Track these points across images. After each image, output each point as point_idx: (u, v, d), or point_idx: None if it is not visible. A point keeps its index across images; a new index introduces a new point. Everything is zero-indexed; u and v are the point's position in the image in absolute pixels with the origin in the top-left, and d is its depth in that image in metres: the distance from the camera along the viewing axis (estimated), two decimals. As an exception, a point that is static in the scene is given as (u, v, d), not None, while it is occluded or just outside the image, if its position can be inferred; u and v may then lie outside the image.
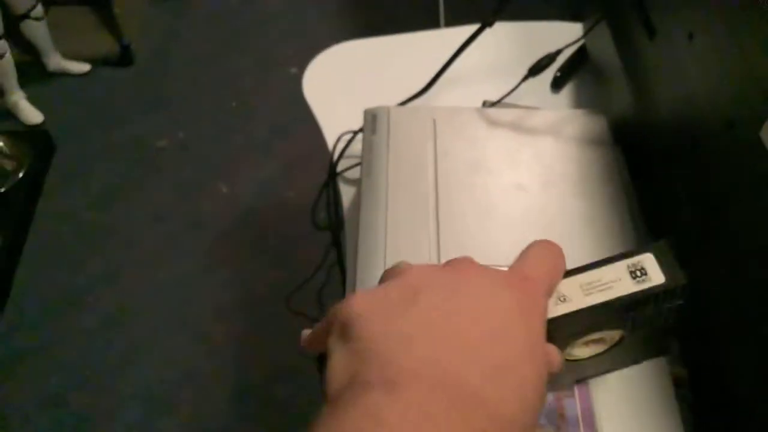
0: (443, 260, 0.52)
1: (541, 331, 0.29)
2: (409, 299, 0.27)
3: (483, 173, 0.58)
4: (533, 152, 0.59)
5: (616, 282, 0.32)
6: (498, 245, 0.52)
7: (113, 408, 1.43)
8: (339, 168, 0.72)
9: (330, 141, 0.73)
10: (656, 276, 0.33)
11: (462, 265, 0.32)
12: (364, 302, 0.28)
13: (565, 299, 0.32)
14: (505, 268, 0.48)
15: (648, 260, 0.33)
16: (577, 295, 0.32)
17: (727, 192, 0.44)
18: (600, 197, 0.56)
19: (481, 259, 0.50)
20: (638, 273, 0.33)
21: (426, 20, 2.05)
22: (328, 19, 2.24)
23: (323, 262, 0.90)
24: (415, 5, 2.21)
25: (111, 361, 1.50)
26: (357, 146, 0.70)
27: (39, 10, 1.88)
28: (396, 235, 0.53)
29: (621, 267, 0.33)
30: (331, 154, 0.72)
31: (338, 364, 0.26)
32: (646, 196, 0.58)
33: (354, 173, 0.71)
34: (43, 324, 1.56)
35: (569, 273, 0.33)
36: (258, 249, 1.67)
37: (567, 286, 0.33)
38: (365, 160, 0.60)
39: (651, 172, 0.57)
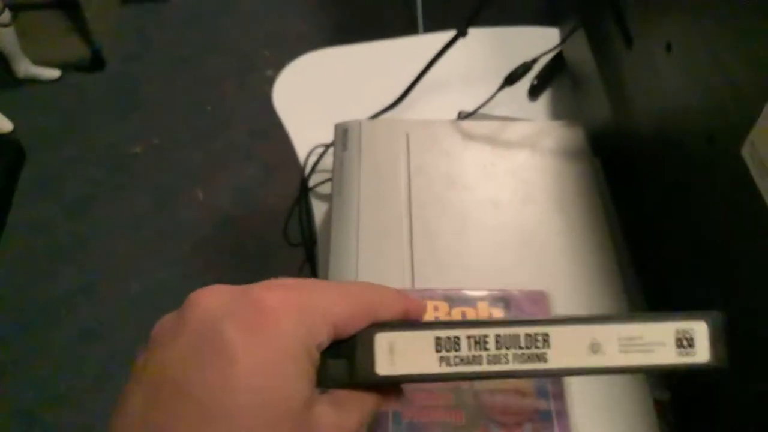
0: (417, 280, 0.50)
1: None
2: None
3: (458, 189, 0.56)
4: (509, 166, 0.58)
5: (659, 346, 0.28)
6: (473, 264, 0.51)
7: (88, 424, 1.39)
8: (311, 183, 0.69)
9: (301, 154, 0.71)
10: (702, 351, 0.29)
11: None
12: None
13: (599, 350, 0.28)
14: (479, 291, 0.47)
15: (700, 330, 0.29)
16: (612, 350, 0.28)
17: (707, 207, 0.43)
18: (578, 211, 0.54)
19: (457, 279, 0.48)
20: (686, 343, 0.29)
21: (406, 21, 2.04)
22: (305, 22, 2.21)
23: (299, 275, 0.88)
24: (396, 8, 2.19)
25: (87, 376, 1.46)
26: (330, 159, 0.68)
27: (6, 15, 1.83)
28: (368, 255, 0.51)
29: (669, 330, 0.29)
30: (302, 169, 0.69)
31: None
32: (625, 209, 0.56)
33: (327, 188, 0.69)
34: (17, 338, 1.52)
35: (611, 318, 0.29)
36: (237, 257, 1.64)
37: (605, 334, 0.28)
38: (336, 177, 0.58)
39: (630, 185, 0.56)
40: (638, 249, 0.55)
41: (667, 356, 0.28)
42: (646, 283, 0.53)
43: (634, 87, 0.54)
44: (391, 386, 0.28)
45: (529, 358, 0.27)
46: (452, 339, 0.27)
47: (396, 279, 0.50)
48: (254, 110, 1.94)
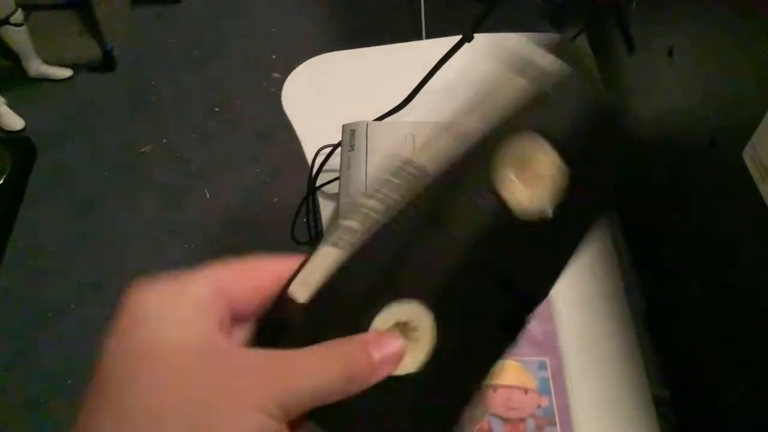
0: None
1: None
2: None
3: (462, 190, 0.57)
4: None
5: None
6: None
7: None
8: (318, 182, 0.71)
9: (309, 154, 0.72)
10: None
11: None
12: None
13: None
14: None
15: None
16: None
17: (709, 211, 0.43)
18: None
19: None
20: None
21: (410, 27, 2.06)
22: (311, 27, 2.23)
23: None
24: (401, 12, 2.21)
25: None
26: (336, 159, 0.69)
27: (19, 15, 1.85)
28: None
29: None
30: (310, 169, 0.71)
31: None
32: (626, 212, 0.57)
33: (334, 187, 0.70)
34: (26, 332, 1.54)
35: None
36: (242, 255, 1.65)
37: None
38: (343, 176, 0.59)
39: (631, 189, 0.57)
40: (639, 250, 0.56)
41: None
42: (647, 285, 0.54)
43: (636, 91, 0.55)
44: (322, 316, 0.26)
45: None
46: (342, 231, 0.27)
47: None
48: (261, 112, 1.96)
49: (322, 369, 0.24)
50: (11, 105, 1.92)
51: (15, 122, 1.92)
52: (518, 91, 0.27)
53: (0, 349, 1.51)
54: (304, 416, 0.24)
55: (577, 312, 0.48)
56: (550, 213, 0.28)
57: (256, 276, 0.27)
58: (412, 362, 0.27)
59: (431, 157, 0.27)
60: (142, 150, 1.90)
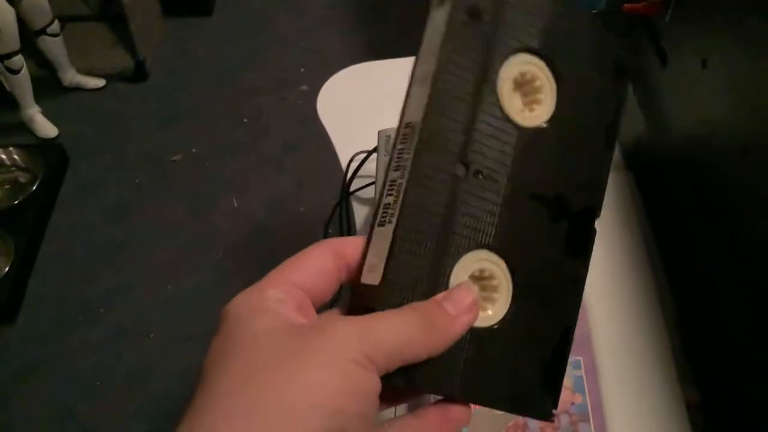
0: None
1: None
2: None
3: (496, 195, 0.58)
4: (546, 175, 0.60)
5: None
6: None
7: (123, 421, 1.43)
8: (352, 188, 0.73)
9: (343, 160, 0.74)
10: None
11: None
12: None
13: None
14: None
15: None
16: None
17: (742, 218, 0.44)
18: (612, 221, 0.56)
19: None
20: None
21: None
22: (338, 40, 2.26)
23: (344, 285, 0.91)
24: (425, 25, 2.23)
25: (121, 375, 1.50)
26: (369, 166, 0.71)
27: (55, 25, 1.90)
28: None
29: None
30: (345, 174, 0.73)
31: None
32: (658, 220, 0.58)
33: (366, 192, 0.72)
34: (55, 336, 1.57)
35: None
36: (269, 264, 1.63)
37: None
38: (379, 180, 0.61)
39: (664, 199, 0.58)
40: (671, 259, 0.56)
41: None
42: (678, 290, 0.55)
43: (668, 102, 0.56)
44: (399, 289, 0.27)
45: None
46: (383, 210, 0.28)
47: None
48: (289, 123, 1.99)
49: (401, 324, 0.25)
50: (46, 113, 1.97)
51: (49, 130, 1.97)
52: (444, 20, 0.28)
53: (30, 352, 1.54)
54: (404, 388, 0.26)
55: (611, 314, 0.49)
56: (547, 124, 0.29)
57: (318, 260, 0.29)
58: (496, 313, 0.28)
59: (415, 110, 0.28)
60: (172, 159, 1.94)
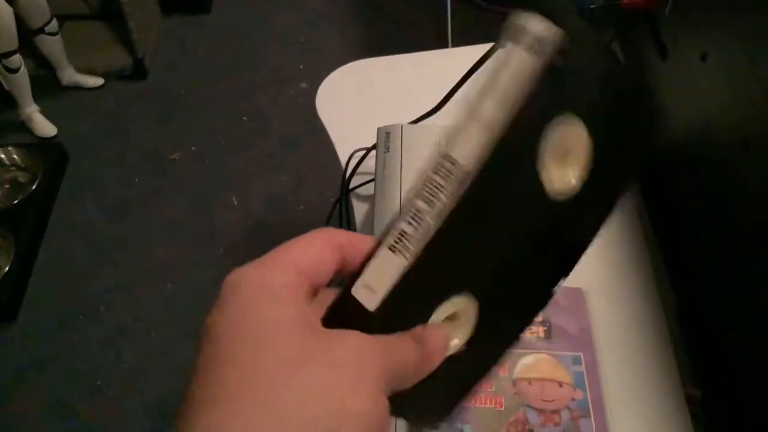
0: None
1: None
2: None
3: (496, 191, 0.58)
4: (546, 170, 0.60)
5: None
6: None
7: (124, 419, 1.43)
8: (351, 185, 0.72)
9: (342, 157, 0.74)
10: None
11: None
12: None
13: None
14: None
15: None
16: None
17: (743, 213, 0.44)
18: (612, 218, 0.56)
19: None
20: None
21: (435, 38, 2.08)
22: (337, 36, 2.26)
23: (334, 276, 0.91)
24: (424, 23, 2.23)
25: (122, 372, 1.50)
26: (369, 163, 0.70)
27: (54, 24, 1.90)
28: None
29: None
30: (344, 171, 0.72)
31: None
32: (659, 214, 0.58)
33: (366, 189, 0.72)
34: (55, 334, 1.57)
35: None
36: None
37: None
38: (379, 177, 0.60)
39: (664, 193, 0.58)
40: (672, 254, 0.56)
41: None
42: (679, 285, 0.54)
43: (668, 96, 0.56)
44: (388, 316, 0.28)
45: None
46: (398, 234, 0.27)
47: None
48: (288, 121, 1.99)
49: (406, 349, 0.27)
50: (45, 112, 1.97)
51: (48, 129, 1.96)
52: (528, 66, 0.26)
53: (31, 350, 1.54)
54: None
55: (611, 310, 0.49)
56: (578, 188, 0.28)
57: (319, 249, 0.28)
58: (459, 342, 0.29)
59: (467, 152, 0.27)
60: (172, 157, 1.94)
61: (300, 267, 0.27)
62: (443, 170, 0.27)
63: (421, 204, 0.27)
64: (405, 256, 0.27)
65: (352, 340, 0.25)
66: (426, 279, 0.27)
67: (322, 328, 0.25)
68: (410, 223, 0.27)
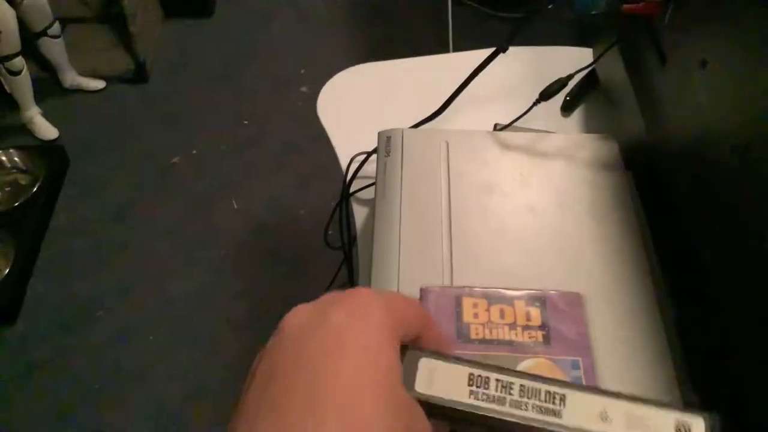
0: (456, 281, 0.53)
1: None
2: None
3: (495, 195, 0.58)
4: (545, 175, 0.60)
5: (661, 428, 0.31)
6: (510, 266, 0.53)
7: (124, 421, 1.43)
8: (352, 189, 0.73)
9: (343, 161, 0.74)
10: None
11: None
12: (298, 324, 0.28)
13: (607, 418, 0.31)
14: (517, 291, 0.49)
15: (698, 426, 0.32)
16: (618, 421, 0.31)
17: (741, 218, 0.44)
18: (611, 220, 0.56)
19: (494, 280, 0.51)
20: (684, 431, 0.31)
21: (435, 42, 2.09)
22: (337, 41, 2.27)
23: (334, 279, 0.91)
24: (425, 28, 2.24)
25: (122, 375, 1.50)
26: (369, 167, 0.71)
27: (56, 27, 1.91)
28: (409, 256, 0.54)
29: (670, 418, 0.32)
30: (345, 175, 0.73)
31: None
32: (657, 220, 0.58)
33: (366, 194, 0.72)
34: (55, 337, 1.57)
35: (620, 395, 0.32)
36: (270, 264, 1.68)
37: (614, 407, 0.31)
38: (379, 181, 0.61)
39: (663, 199, 0.58)
40: (669, 259, 0.56)
41: None
42: (676, 292, 0.55)
43: (667, 103, 0.56)
44: (425, 408, 0.30)
45: (545, 410, 0.31)
46: (483, 378, 0.31)
47: (436, 278, 0.52)
48: (288, 124, 1.99)
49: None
50: (46, 115, 1.97)
51: (49, 132, 1.97)
52: None
53: (31, 353, 1.55)
54: None
55: (610, 315, 0.49)
56: None
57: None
58: None
59: None
60: (173, 160, 1.94)
61: (408, 322, 0.30)
62: (546, 405, 0.31)
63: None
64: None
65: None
66: None
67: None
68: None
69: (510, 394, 0.31)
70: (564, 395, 0.31)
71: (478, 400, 0.30)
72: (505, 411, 0.30)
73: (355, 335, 0.26)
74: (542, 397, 0.31)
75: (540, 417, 0.30)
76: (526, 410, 0.31)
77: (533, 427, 0.30)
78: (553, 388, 0.31)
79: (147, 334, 1.57)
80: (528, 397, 0.31)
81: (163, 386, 1.47)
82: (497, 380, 0.31)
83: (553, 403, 0.31)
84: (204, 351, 1.53)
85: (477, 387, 0.31)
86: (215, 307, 1.60)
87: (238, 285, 1.63)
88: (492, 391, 0.31)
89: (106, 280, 1.67)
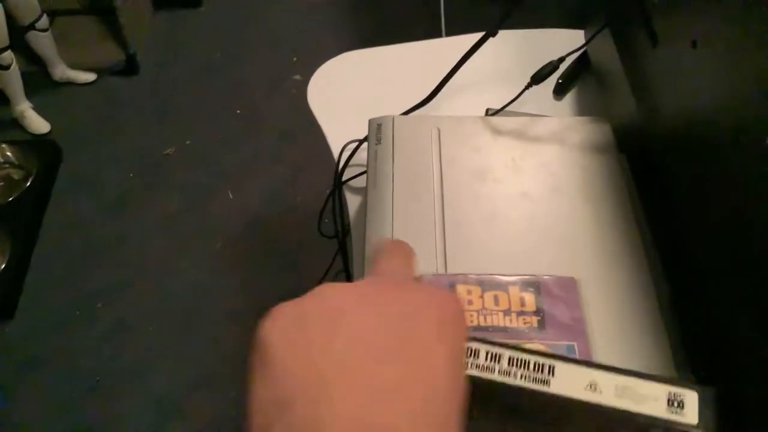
0: (450, 268, 0.53)
1: (462, 353, 0.27)
2: (329, 327, 0.25)
3: (488, 181, 0.58)
4: (538, 160, 0.60)
5: (651, 401, 0.32)
6: (504, 253, 0.53)
7: (125, 414, 1.44)
8: (344, 177, 0.72)
9: (335, 150, 0.74)
10: (691, 415, 0.32)
11: (382, 284, 0.29)
12: (282, 327, 0.26)
13: (595, 389, 0.32)
14: (510, 276, 0.49)
15: (690, 397, 0.32)
16: (608, 392, 0.32)
17: (733, 200, 0.44)
18: (605, 203, 0.56)
19: (488, 266, 0.50)
20: (676, 403, 0.32)
21: (428, 27, 2.07)
22: (330, 28, 2.25)
23: (330, 268, 0.91)
24: (418, 13, 2.22)
25: (123, 368, 1.51)
26: (362, 155, 0.70)
27: (44, 20, 1.89)
28: (402, 244, 0.53)
29: (662, 389, 0.33)
30: (336, 163, 0.72)
31: (261, 397, 0.24)
32: (650, 203, 0.58)
33: (359, 181, 0.72)
34: (53, 331, 1.57)
35: (611, 368, 0.33)
36: (267, 254, 1.68)
37: (603, 378, 0.32)
38: (371, 169, 0.60)
39: (655, 180, 0.58)
40: (663, 241, 0.56)
41: (658, 410, 0.32)
42: (671, 274, 0.55)
43: (659, 84, 0.56)
44: None
45: (534, 380, 0.32)
46: (473, 349, 0.32)
47: (430, 265, 0.52)
48: (282, 113, 1.98)
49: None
50: (37, 109, 1.96)
51: (41, 126, 1.96)
52: None
53: (29, 348, 1.55)
54: None
55: (604, 299, 0.49)
56: None
57: None
58: None
59: None
60: (166, 152, 1.93)
61: None
62: (535, 375, 0.32)
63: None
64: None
65: None
66: None
67: None
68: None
69: (498, 363, 0.32)
70: (553, 366, 0.32)
71: (467, 369, 0.32)
72: (494, 379, 0.32)
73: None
74: (531, 367, 0.32)
75: (528, 385, 0.32)
76: (515, 379, 0.32)
77: (523, 390, 0.31)
78: (542, 360, 0.32)
79: (146, 327, 1.57)
80: (516, 367, 0.32)
81: (164, 377, 1.48)
82: (487, 352, 0.32)
83: (542, 372, 0.32)
84: (203, 342, 1.53)
85: (467, 356, 0.32)
86: (213, 298, 1.60)
87: (236, 276, 1.63)
88: (482, 361, 0.32)
89: (103, 274, 1.67)
